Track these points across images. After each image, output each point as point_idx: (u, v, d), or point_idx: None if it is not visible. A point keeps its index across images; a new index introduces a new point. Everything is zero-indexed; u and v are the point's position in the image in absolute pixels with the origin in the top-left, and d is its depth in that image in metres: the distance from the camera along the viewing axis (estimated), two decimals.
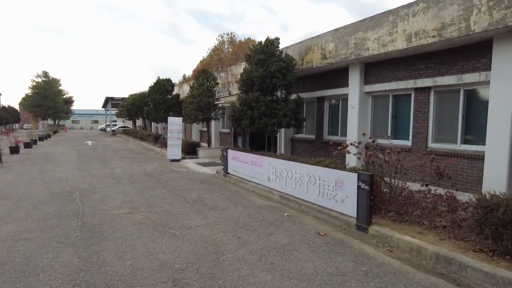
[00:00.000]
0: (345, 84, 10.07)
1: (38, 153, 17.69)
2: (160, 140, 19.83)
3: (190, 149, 15.48)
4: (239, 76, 10.56)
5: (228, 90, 13.21)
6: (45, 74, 43.64)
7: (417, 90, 8.12)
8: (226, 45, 48.74)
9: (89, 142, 26.78)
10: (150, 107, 21.74)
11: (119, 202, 6.90)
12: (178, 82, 23.78)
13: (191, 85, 15.95)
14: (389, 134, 8.99)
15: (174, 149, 14.42)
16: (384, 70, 8.90)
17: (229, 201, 7.16)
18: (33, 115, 44.15)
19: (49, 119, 52.82)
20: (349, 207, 5.48)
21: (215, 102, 14.81)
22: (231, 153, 9.57)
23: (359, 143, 6.75)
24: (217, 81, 16.16)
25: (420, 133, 8.11)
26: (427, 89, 7.88)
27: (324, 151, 11.08)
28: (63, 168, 11.98)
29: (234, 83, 13.71)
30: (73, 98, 57.46)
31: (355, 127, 9.46)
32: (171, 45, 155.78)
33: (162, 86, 21.17)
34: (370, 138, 7.54)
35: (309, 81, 11.61)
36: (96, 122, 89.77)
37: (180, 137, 14.63)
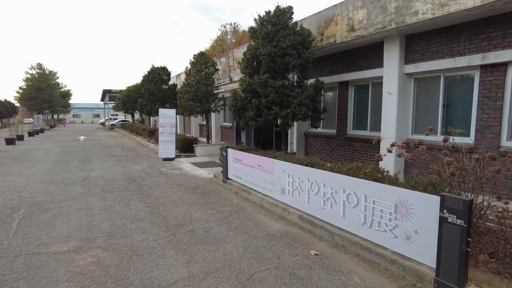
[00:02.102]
0: (378, 64, 7.86)
1: (17, 150, 15.75)
2: (155, 135, 17.78)
3: (186, 146, 13.40)
4: (242, 56, 8.38)
5: (229, 77, 11.06)
6: (40, 66, 41.64)
7: (485, 68, 5.90)
8: (229, 36, 46.37)
9: (82, 138, 24.86)
10: (144, 98, 19.64)
11: (70, 229, 4.84)
12: (175, 76, 21.57)
13: (187, 71, 13.80)
14: (439, 128, 6.82)
15: (166, 146, 12.35)
16: (435, 43, 6.67)
17: (228, 224, 5.07)
18: (28, 108, 42.32)
19: (47, 113, 51.18)
20: (420, 249, 3.37)
21: (215, 91, 12.66)
22: (232, 153, 7.47)
23: (407, 142, 4.60)
24: (217, 67, 13.99)
25: (489, 127, 5.91)
26: (503, 66, 5.66)
27: (347, 150, 8.92)
28: (32, 170, 9.98)
29: (236, 68, 11.54)
30: (71, 92, 55.60)
31: (392, 119, 7.28)
32: (172, 38, 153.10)
33: (157, 75, 19.04)
34: (426, 134, 5.40)
35: (329, 63, 9.40)
36: (97, 116, 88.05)
37: (174, 132, 12.54)
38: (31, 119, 37.26)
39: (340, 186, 4.36)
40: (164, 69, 19.47)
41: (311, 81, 8.26)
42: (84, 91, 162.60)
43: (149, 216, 5.44)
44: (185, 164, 11.31)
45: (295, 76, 8.31)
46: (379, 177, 4.45)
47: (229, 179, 7.71)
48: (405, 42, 7.22)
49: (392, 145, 4.68)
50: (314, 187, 4.81)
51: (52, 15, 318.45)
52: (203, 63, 13.56)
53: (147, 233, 4.64)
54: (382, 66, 7.65)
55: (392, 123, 7.30)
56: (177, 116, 22.18)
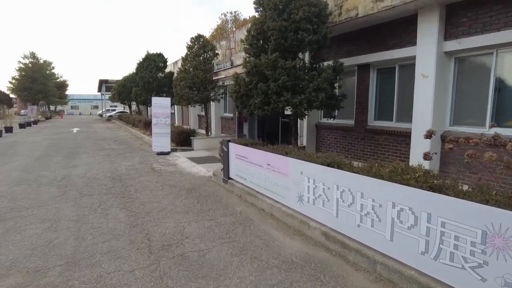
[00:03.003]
0: (408, 42, 6.57)
1: (1, 143, 14.55)
2: (150, 127, 16.53)
3: (182, 139, 12.16)
4: (246, 33, 7.08)
5: (231, 60, 9.77)
6: (33, 55, 40.03)
7: None
8: (230, 25, 44.73)
9: (75, 130, 23.62)
10: (139, 87, 18.33)
11: (19, 252, 3.64)
12: (172, 64, 20.21)
13: (183, 56, 12.48)
14: (487, 118, 5.58)
15: (160, 139, 11.12)
16: (488, 12, 5.37)
17: (230, 243, 3.88)
18: (21, 99, 40.93)
19: (44, 105, 49.81)
20: None
21: (214, 78, 11.37)
22: (234, 148, 6.25)
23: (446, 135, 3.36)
24: (217, 52, 12.66)
25: None
26: None
27: (368, 144, 7.69)
28: (7, 167, 8.78)
29: (238, 50, 10.23)
30: (67, 82, 54.10)
31: (427, 107, 6.02)
32: (172, 28, 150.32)
33: (152, 62, 17.69)
34: (491, 126, 4.19)
35: (346, 43, 8.09)
36: (96, 107, 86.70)
37: (169, 123, 11.29)
38: (25, 110, 36.13)
39: (386, 198, 3.15)
40: (160, 56, 18.11)
41: (329, 63, 6.97)
42: (83, 82, 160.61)
43: (129, 231, 4.25)
44: (181, 159, 10.10)
45: (307, 58, 7.03)
46: (436, 185, 3.22)
47: (230, 179, 6.51)
48: (445, 13, 5.91)
49: (429, 135, 3.42)
50: (347, 197, 3.60)
51: (49, 4, 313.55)
52: (201, 47, 12.23)
53: (121, 259, 3.44)
54: (413, 43, 6.36)
55: (426, 112, 6.04)
56: (175, 106, 20.89)
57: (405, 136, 6.82)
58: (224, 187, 6.58)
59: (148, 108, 28.45)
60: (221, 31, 43.48)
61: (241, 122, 13.10)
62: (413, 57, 6.39)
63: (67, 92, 59.24)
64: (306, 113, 6.53)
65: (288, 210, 4.56)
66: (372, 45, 7.44)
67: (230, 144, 6.36)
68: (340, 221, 3.73)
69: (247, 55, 6.85)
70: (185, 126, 16.33)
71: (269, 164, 5.03)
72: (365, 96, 7.81)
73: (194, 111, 18.62)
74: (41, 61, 42.86)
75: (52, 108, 59.66)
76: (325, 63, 7.04)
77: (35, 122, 30.52)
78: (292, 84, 6.10)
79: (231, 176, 6.49)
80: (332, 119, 7.05)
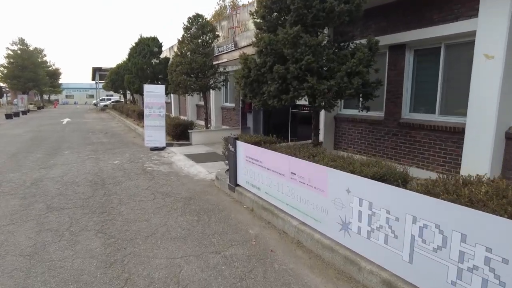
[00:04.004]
0: (463, 14, 5.22)
1: None
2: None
3: (179, 132, 10.82)
4: (257, 5, 5.67)
5: (234, 42, 8.36)
6: (22, 41, 37.99)
7: None
8: (228, 10, 42.78)
9: (65, 120, 22.18)
10: (132, 74, 16.83)
11: None
12: (167, 49, 18.63)
13: (179, 39, 11.01)
14: None
15: (154, 133, 9.78)
16: None
17: None
18: (10, 88, 39.10)
19: (37, 94, 48.02)
20: None
21: (215, 63, 9.96)
22: (243, 148, 4.94)
23: None
24: (217, 34, 11.20)
25: None
26: None
27: (402, 142, 6.40)
28: None
29: (243, 30, 8.81)
30: (60, 71, 52.12)
31: (492, 96, 4.70)
32: (170, 17, 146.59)
33: (146, 47, 16.14)
34: None
35: (375, 19, 6.71)
36: (92, 96, 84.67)
37: (163, 114, 9.93)
38: (16, 100, 34.50)
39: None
40: (154, 40, 16.54)
41: (361, 41, 5.61)
42: (79, 71, 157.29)
43: (103, 275, 2.97)
44: (178, 156, 8.79)
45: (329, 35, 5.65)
46: None
47: (238, 185, 5.22)
48: None
49: None
50: (431, 237, 2.32)
51: None
52: (199, 28, 10.76)
53: None
54: (471, 16, 5.02)
55: (489, 104, 4.73)
56: (171, 95, 19.43)
57: (453, 133, 5.54)
58: (231, 196, 5.31)
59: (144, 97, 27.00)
60: (219, 17, 41.56)
61: (244, 113, 11.74)
62: (469, 34, 5.06)
63: (61, 81, 57.32)
64: (336, 103, 5.17)
65: (325, 240, 3.29)
66: (410, 21, 6.07)
67: (239, 143, 5.05)
68: (415, 269, 2.46)
69: (258, 30, 5.45)
70: (182, 117, 14.96)
71: (295, 174, 3.74)
72: (398, 83, 6.47)
73: (192, 100, 17.20)
74: (31, 48, 40.87)
75: (46, 97, 57.81)
76: (357, 42, 5.67)
77: (25, 112, 28.97)
78: (318, 66, 4.75)
79: (239, 182, 5.21)
80: (365, 110, 5.70)
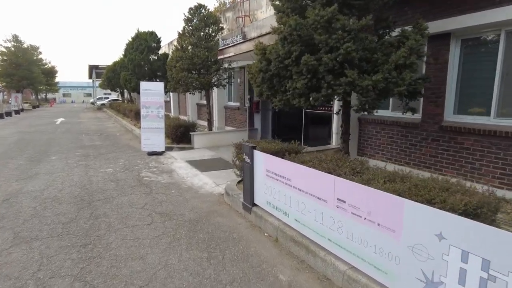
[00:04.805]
0: None
1: None
2: None
3: (180, 134, 9.79)
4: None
5: (243, 33, 7.34)
6: (15, 38, 36.77)
7: None
8: (228, 5, 41.69)
9: (59, 120, 21.09)
10: (128, 72, 15.78)
11: None
12: (166, 45, 17.51)
13: (180, 32, 9.97)
14: None
15: (152, 136, 8.75)
16: None
17: None
18: (4, 86, 37.90)
19: (32, 92, 46.79)
20: None
21: (219, 57, 8.94)
22: (263, 161, 3.92)
23: None
24: (222, 26, 10.18)
25: None
26: None
27: (445, 149, 5.41)
28: None
29: (252, 20, 7.80)
30: (56, 69, 50.83)
31: None
32: (168, 15, 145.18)
33: (144, 42, 15.11)
34: None
35: (412, 2, 5.69)
36: (89, 95, 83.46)
37: (162, 115, 8.90)
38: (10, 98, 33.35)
39: None
40: (152, 34, 15.51)
41: (404, 28, 4.59)
42: (77, 70, 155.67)
43: None
44: (179, 162, 7.77)
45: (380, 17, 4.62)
46: None
47: (255, 205, 4.22)
48: None
49: None
50: None
51: None
52: (202, 19, 9.73)
53: None
54: None
55: None
56: (170, 93, 18.37)
57: None
58: (246, 219, 4.30)
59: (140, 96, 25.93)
60: (223, 8, 40.30)
61: (252, 113, 10.72)
62: None
63: (59, 80, 56.05)
64: (379, 103, 4.14)
65: None
66: (456, 4, 5.06)
67: (257, 153, 4.03)
68: None
69: (279, 14, 4.42)
70: (182, 117, 13.93)
71: (344, 201, 2.73)
72: (440, 79, 5.46)
73: (193, 99, 16.16)
74: (26, 46, 39.64)
75: (42, 96, 56.54)
76: (399, 30, 4.65)
77: (18, 112, 27.87)
78: (359, 56, 3.73)
79: (257, 202, 4.20)
80: (410, 112, 4.70)
